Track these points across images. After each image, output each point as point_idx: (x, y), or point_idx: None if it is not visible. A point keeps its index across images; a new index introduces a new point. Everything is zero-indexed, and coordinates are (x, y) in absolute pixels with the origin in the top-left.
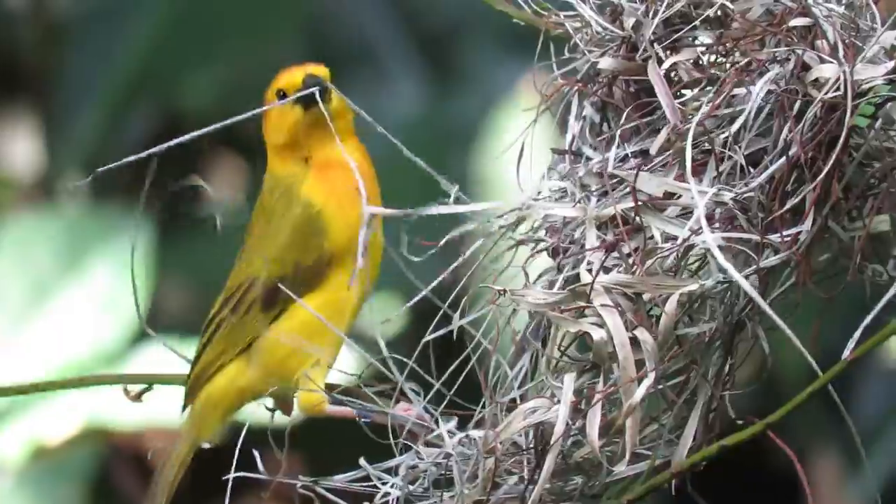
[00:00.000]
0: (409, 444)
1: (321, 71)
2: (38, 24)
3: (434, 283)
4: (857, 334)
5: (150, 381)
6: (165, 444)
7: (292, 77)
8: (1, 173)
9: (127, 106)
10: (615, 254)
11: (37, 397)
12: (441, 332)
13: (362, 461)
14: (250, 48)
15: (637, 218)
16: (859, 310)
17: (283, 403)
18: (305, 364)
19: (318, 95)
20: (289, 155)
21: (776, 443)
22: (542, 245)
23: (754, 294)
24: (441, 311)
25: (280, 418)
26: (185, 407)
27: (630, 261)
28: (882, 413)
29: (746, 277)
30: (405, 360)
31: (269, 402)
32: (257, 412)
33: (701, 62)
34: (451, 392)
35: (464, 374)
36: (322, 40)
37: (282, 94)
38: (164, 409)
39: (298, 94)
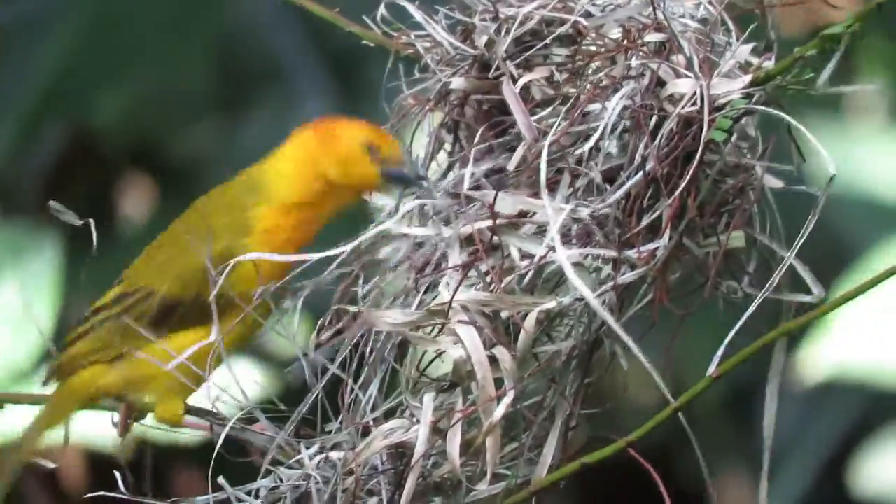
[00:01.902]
0: (270, 468)
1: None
2: None
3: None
4: (720, 352)
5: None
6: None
7: (389, 143)
8: None
9: (38, 123)
10: (473, 272)
11: None
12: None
13: (221, 480)
14: (161, 66)
15: (494, 236)
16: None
17: (130, 409)
18: (168, 388)
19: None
20: (308, 197)
21: (685, 461)
22: (400, 265)
23: (603, 312)
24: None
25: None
26: (47, 381)
27: (488, 279)
28: (792, 433)
29: (603, 294)
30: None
31: (115, 417)
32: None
33: (555, 80)
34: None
35: (313, 396)
36: (232, 58)
37: (370, 148)
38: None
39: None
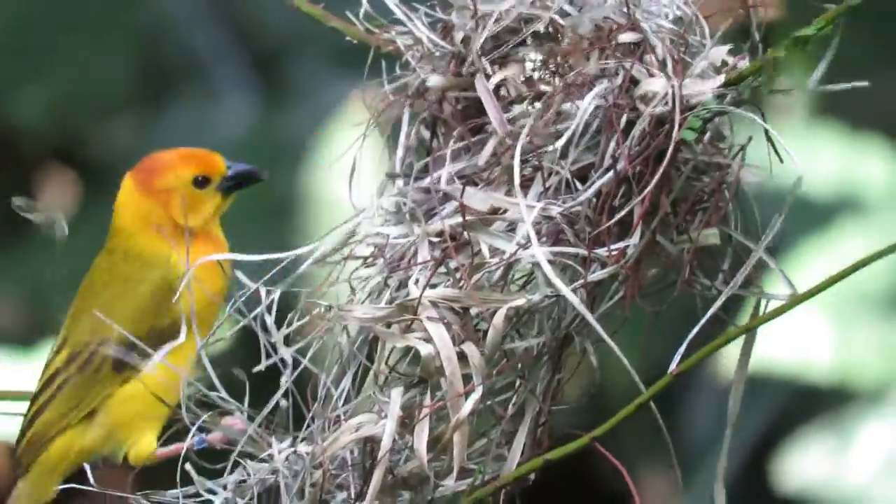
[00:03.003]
0: (238, 460)
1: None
2: None
3: (261, 308)
4: (683, 348)
5: None
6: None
7: (214, 164)
8: None
9: None
10: (443, 269)
11: None
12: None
13: (189, 468)
14: (82, 62)
15: (465, 233)
16: (693, 324)
17: (109, 460)
18: (151, 423)
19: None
20: (170, 230)
21: (605, 457)
22: (370, 261)
23: (581, 307)
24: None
25: None
26: (18, 466)
27: (458, 275)
28: (714, 428)
29: (574, 291)
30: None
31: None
32: None
33: (530, 78)
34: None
35: (279, 390)
36: (152, 55)
37: (202, 180)
38: None
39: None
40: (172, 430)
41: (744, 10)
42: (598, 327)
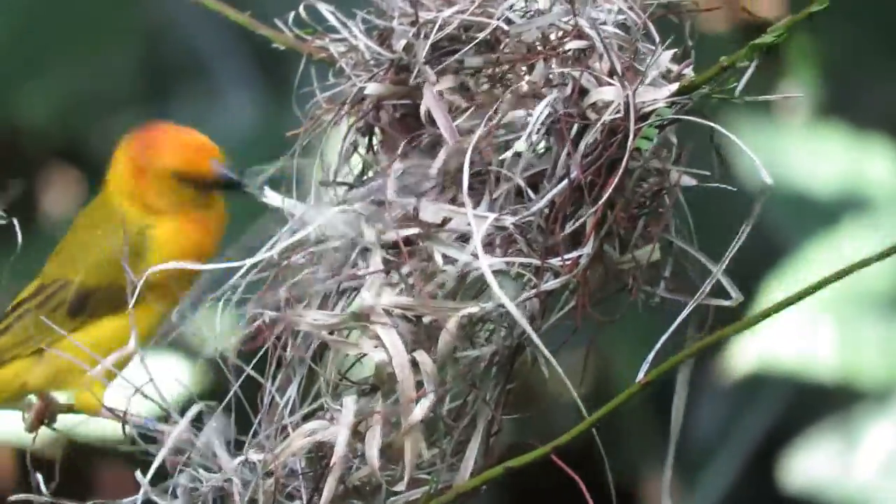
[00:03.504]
0: (183, 468)
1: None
2: None
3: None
4: (650, 357)
5: None
6: None
7: (201, 162)
8: None
9: None
10: (394, 275)
11: None
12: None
13: (139, 475)
14: (84, 61)
15: (418, 241)
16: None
17: (49, 406)
18: (90, 377)
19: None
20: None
21: (610, 461)
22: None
23: (522, 321)
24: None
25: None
26: None
27: (410, 282)
28: (719, 428)
29: (525, 301)
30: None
31: (26, 412)
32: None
33: (469, 87)
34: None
35: (227, 397)
36: (156, 53)
37: (181, 175)
38: None
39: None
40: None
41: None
42: (539, 343)
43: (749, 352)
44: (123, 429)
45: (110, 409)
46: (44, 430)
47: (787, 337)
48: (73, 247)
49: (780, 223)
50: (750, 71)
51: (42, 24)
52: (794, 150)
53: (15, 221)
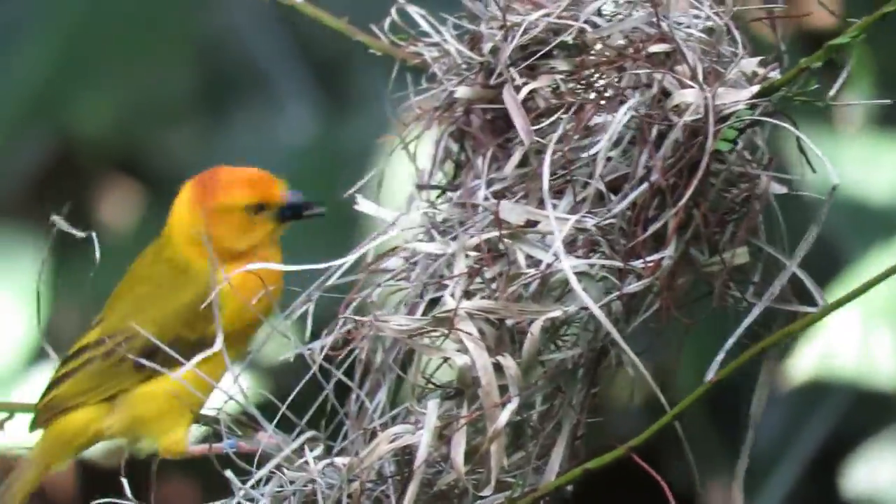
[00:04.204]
0: (274, 471)
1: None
2: None
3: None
4: (719, 358)
5: (13, 409)
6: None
7: (272, 192)
8: None
9: (20, 130)
10: (478, 279)
11: None
12: (289, 354)
13: (230, 475)
14: (143, 71)
15: (500, 245)
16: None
17: (136, 447)
18: (176, 420)
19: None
20: (217, 249)
21: (672, 465)
22: (403, 273)
23: (607, 323)
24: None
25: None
26: (33, 427)
27: (493, 286)
28: (780, 434)
29: (609, 304)
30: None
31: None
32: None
33: (559, 89)
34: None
35: (318, 402)
36: (214, 64)
37: (256, 207)
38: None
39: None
40: (205, 435)
41: (770, 21)
42: (623, 344)
43: (808, 359)
44: (212, 460)
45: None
46: (105, 442)
47: (845, 344)
48: (136, 299)
49: (837, 231)
50: (845, 74)
51: (98, 35)
52: (850, 158)
53: (94, 236)
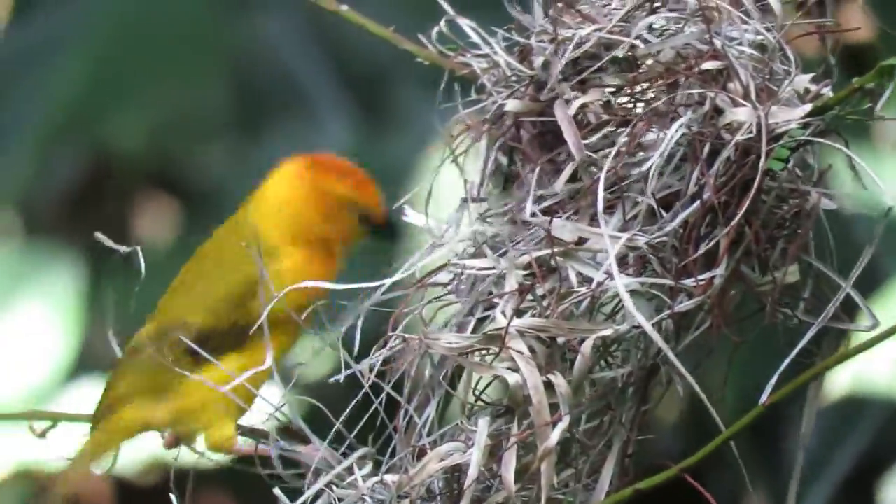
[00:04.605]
0: (324, 488)
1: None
2: None
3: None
4: (774, 380)
5: (57, 418)
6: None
7: (376, 203)
8: None
9: (56, 146)
10: (529, 296)
11: None
12: (341, 376)
13: (278, 493)
14: (179, 87)
15: (551, 261)
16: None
17: (180, 439)
18: (218, 414)
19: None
20: (295, 236)
21: (714, 481)
22: (451, 289)
23: (661, 342)
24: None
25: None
26: (92, 431)
27: (544, 303)
28: (822, 451)
29: (660, 322)
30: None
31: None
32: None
33: (610, 104)
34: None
35: (366, 417)
36: (250, 79)
37: (361, 210)
38: None
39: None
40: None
41: (820, 37)
42: (676, 362)
43: (843, 374)
44: (257, 461)
45: (250, 432)
46: (138, 459)
47: (880, 358)
48: (194, 284)
49: (877, 250)
50: (888, 92)
51: (134, 50)
52: (890, 174)
53: (139, 250)
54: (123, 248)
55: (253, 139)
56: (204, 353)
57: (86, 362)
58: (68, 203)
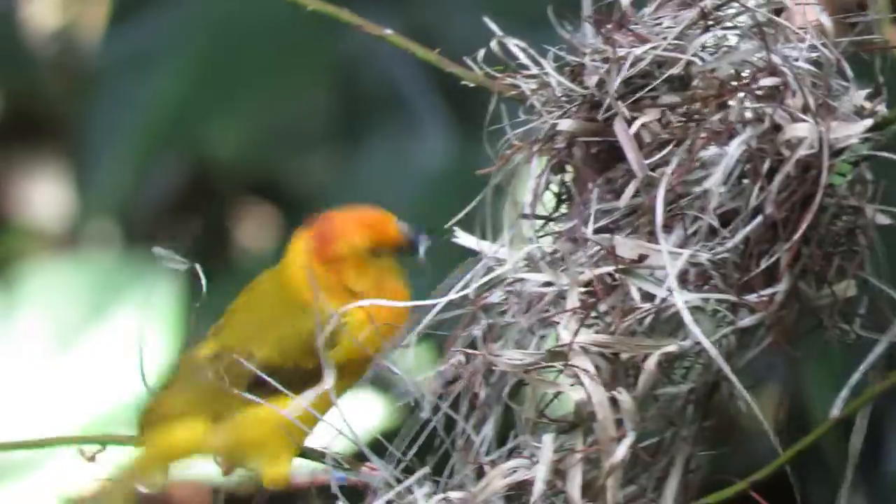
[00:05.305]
0: None
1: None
2: (64, 73)
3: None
4: (844, 394)
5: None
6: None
7: (389, 232)
8: (24, 221)
9: (154, 154)
10: (591, 313)
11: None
12: (406, 398)
13: None
14: (278, 95)
15: (613, 278)
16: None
17: (231, 466)
18: (282, 450)
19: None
20: (338, 291)
21: (805, 489)
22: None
23: (719, 359)
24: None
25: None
26: (139, 429)
27: (607, 319)
28: None
29: (722, 338)
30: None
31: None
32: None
33: (667, 122)
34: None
35: (423, 436)
36: (350, 88)
37: (376, 249)
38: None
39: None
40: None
41: (868, 53)
42: (735, 381)
43: None
44: (312, 492)
45: (311, 454)
46: (240, 470)
47: None
48: (255, 320)
49: None
50: None
51: (233, 59)
52: None
53: (198, 267)
54: (181, 265)
55: (353, 147)
56: (275, 384)
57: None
58: (168, 212)
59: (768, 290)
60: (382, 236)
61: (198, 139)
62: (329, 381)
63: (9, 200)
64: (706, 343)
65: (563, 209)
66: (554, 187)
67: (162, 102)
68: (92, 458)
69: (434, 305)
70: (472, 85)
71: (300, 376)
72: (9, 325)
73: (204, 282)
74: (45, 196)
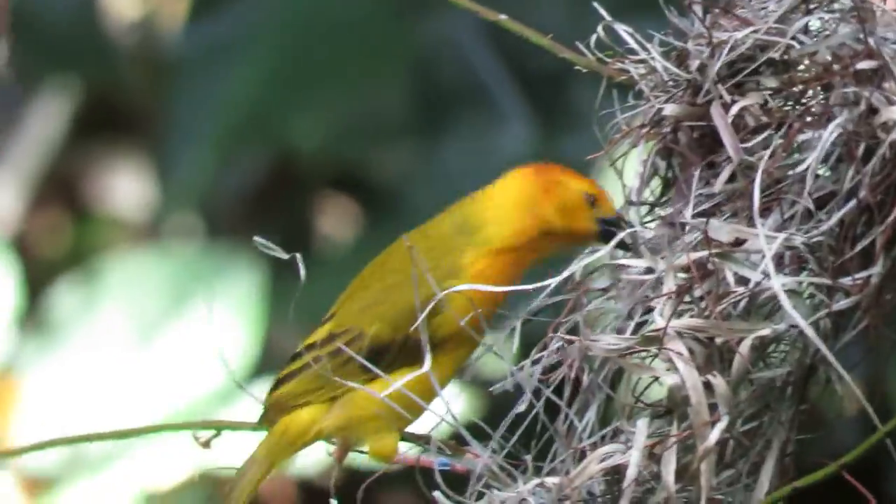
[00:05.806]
0: (483, 490)
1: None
2: (145, 65)
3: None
4: None
5: (221, 426)
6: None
7: (605, 197)
8: (106, 213)
9: (236, 147)
10: (686, 298)
11: (144, 441)
12: (506, 382)
13: (438, 496)
14: (359, 88)
15: (709, 262)
16: None
17: (346, 449)
18: (390, 425)
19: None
20: (522, 242)
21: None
22: (610, 292)
23: (818, 341)
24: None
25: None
26: (261, 422)
27: (702, 304)
28: None
29: (818, 321)
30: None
31: (331, 449)
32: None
33: (768, 106)
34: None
35: (524, 422)
36: (430, 79)
37: (592, 199)
38: None
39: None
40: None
41: None
42: (834, 361)
43: None
44: (417, 472)
45: (412, 438)
46: (322, 460)
47: None
48: (369, 295)
49: None
50: None
51: (313, 51)
52: None
53: (298, 257)
54: (283, 255)
55: (433, 138)
56: (369, 366)
57: (269, 362)
58: (249, 204)
59: (863, 273)
60: (602, 196)
61: (278, 131)
62: (427, 363)
63: (90, 191)
64: (804, 326)
65: (669, 194)
66: (661, 172)
67: (243, 95)
68: (207, 444)
69: (544, 289)
70: (547, 74)
71: (414, 348)
72: (91, 317)
73: (302, 271)
74: (127, 187)
